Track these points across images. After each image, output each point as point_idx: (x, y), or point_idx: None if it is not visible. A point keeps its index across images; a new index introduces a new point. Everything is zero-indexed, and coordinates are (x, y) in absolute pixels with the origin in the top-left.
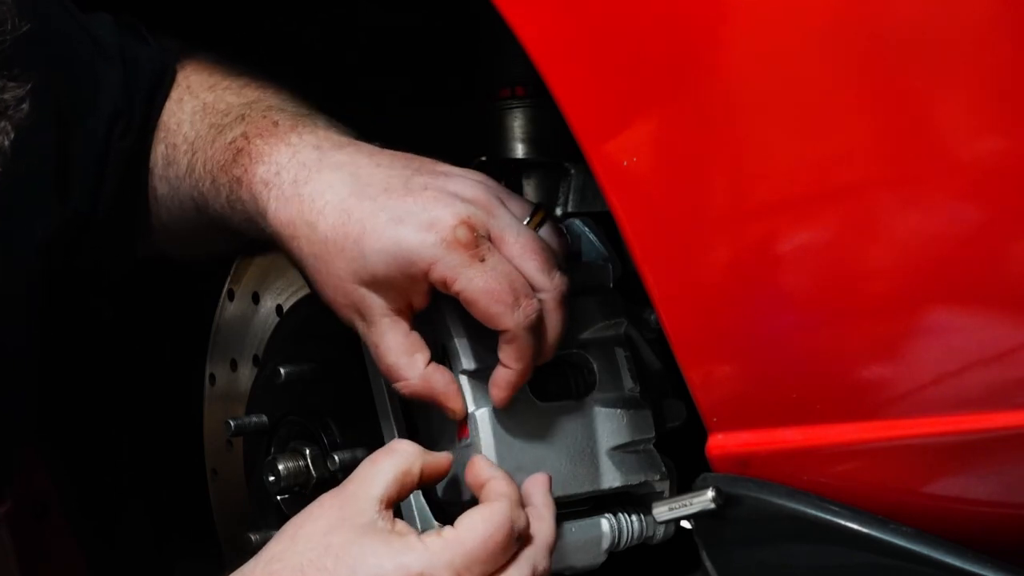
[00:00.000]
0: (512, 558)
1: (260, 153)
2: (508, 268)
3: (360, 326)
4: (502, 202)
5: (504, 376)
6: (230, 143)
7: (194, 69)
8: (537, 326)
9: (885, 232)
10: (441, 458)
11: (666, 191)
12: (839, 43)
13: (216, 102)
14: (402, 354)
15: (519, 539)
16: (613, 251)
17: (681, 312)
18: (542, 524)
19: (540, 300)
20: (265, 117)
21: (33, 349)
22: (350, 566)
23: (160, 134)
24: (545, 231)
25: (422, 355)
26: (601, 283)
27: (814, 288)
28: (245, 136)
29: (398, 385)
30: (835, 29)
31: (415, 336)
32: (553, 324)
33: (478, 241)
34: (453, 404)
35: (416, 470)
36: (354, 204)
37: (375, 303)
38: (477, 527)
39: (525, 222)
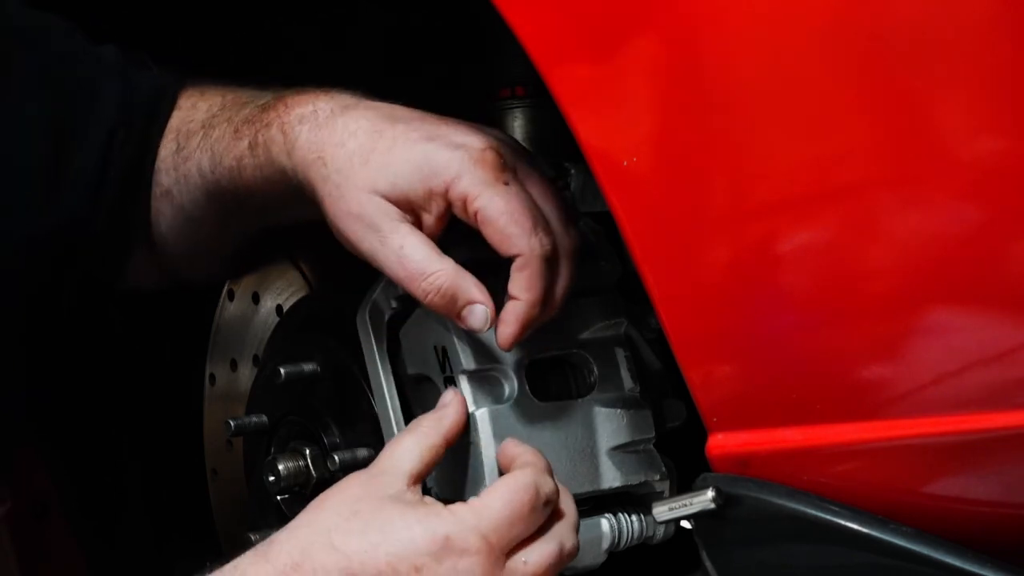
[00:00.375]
0: (541, 530)
1: (296, 102)
2: (529, 199)
3: (374, 243)
4: (529, 154)
5: (513, 309)
6: (261, 104)
7: (209, 85)
8: (551, 262)
9: (885, 232)
10: (453, 418)
11: (666, 191)
12: (839, 43)
13: (239, 95)
14: (430, 252)
15: (547, 504)
16: (613, 251)
17: (681, 312)
18: (565, 504)
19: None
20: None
21: (15, 347)
22: (378, 529)
23: (169, 135)
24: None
25: (447, 257)
26: (601, 283)
27: (814, 288)
28: (279, 96)
29: (430, 279)
30: (835, 29)
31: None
32: (564, 274)
33: (504, 167)
34: (485, 299)
35: (441, 443)
36: (387, 126)
37: (391, 211)
38: (502, 492)
39: None
